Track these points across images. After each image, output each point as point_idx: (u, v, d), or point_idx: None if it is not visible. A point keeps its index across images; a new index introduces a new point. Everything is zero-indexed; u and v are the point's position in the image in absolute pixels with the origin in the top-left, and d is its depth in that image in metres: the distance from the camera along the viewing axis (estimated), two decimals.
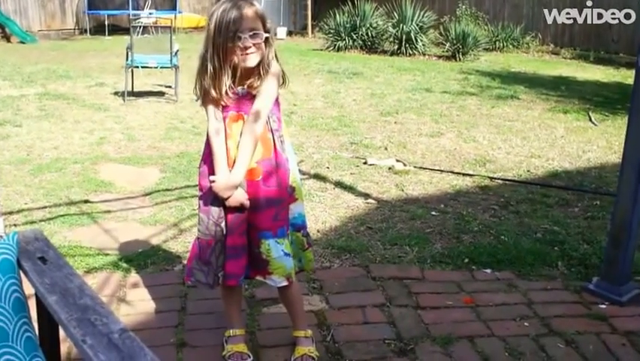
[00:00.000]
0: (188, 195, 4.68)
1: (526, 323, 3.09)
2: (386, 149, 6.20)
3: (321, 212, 4.47)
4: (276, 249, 2.58)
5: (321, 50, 14.30)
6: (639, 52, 3.26)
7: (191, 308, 3.16)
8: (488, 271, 3.64)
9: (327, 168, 5.54)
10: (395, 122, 7.35)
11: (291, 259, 2.64)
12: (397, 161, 5.68)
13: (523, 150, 6.29)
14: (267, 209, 2.55)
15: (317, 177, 5.27)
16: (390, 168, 5.51)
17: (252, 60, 2.45)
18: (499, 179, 5.33)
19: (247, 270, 2.64)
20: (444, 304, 3.25)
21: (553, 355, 2.84)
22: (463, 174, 5.42)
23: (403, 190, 5.00)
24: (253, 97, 2.51)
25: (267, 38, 2.47)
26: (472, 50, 13.26)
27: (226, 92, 2.49)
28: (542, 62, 13.30)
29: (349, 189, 4.99)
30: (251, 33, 2.41)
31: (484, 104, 8.53)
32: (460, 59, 13.04)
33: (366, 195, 4.85)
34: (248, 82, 2.51)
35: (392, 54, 13.70)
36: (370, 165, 5.61)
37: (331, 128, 6.95)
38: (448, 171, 5.50)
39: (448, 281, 3.50)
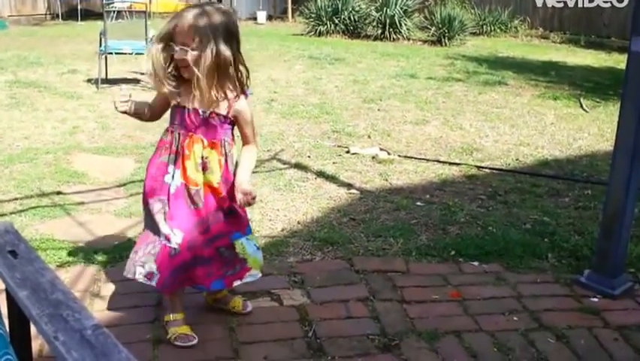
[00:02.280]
0: None
1: (515, 318, 3.11)
2: (369, 137, 6.20)
3: (302, 203, 4.47)
4: (249, 245, 2.89)
5: (302, 34, 14.27)
6: (632, 35, 3.26)
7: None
8: (476, 263, 3.65)
9: (309, 157, 5.53)
10: (378, 110, 7.35)
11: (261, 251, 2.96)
12: (381, 149, 5.69)
13: (511, 138, 6.32)
14: (230, 216, 2.83)
15: (298, 166, 5.26)
16: (373, 157, 5.52)
17: (185, 73, 2.64)
18: (486, 168, 5.35)
19: (220, 281, 2.87)
20: (430, 298, 3.26)
21: (544, 350, 2.86)
22: (450, 163, 5.44)
23: (387, 180, 5.01)
24: (214, 121, 2.71)
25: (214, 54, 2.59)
26: (459, 35, 13.30)
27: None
28: (531, 47, 13.37)
29: (331, 178, 5.00)
30: (181, 47, 2.59)
31: (470, 91, 8.55)
32: (445, 44, 13.07)
33: (349, 185, 4.86)
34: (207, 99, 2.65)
35: (375, 39, 13.70)
36: (353, 153, 5.62)
37: (312, 116, 6.94)
38: (433, 160, 5.51)
39: (433, 274, 3.51)
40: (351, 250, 3.75)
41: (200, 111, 2.69)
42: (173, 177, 2.74)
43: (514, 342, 2.91)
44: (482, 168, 5.36)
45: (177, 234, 2.74)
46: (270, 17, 17.81)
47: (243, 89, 2.75)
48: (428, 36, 13.65)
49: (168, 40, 2.62)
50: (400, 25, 13.60)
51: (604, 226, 3.41)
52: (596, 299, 3.30)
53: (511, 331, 2.99)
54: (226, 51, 2.61)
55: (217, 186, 2.76)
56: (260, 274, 2.94)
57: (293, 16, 17.42)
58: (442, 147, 5.97)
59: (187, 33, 2.57)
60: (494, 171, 5.30)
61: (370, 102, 7.71)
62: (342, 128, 6.50)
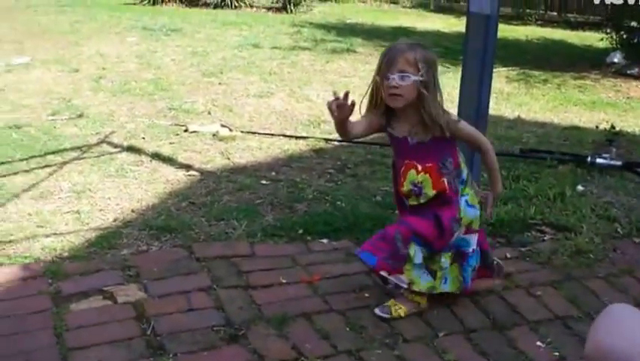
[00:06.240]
0: None
1: (366, 294, 3.19)
2: (209, 113, 6.15)
3: (136, 189, 4.37)
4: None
5: (134, 3, 13.92)
6: None
7: None
8: (325, 240, 3.72)
9: (143, 138, 5.42)
10: (219, 84, 7.31)
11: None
12: (222, 126, 5.66)
13: (356, 108, 6.43)
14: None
15: (131, 149, 5.13)
16: (214, 135, 5.48)
17: (395, 102, 2.88)
18: (335, 140, 5.43)
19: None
20: (277, 281, 3.29)
21: (397, 325, 2.97)
22: (296, 137, 5.49)
23: (229, 159, 5.00)
24: (425, 147, 2.94)
25: (425, 86, 2.85)
26: (305, 1, 13.42)
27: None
28: (380, 12, 13.73)
29: (168, 160, 4.92)
30: (398, 73, 2.83)
31: (318, 60, 8.67)
32: (291, 11, 13.17)
33: (188, 167, 4.80)
34: (409, 129, 2.95)
35: (215, 7, 13.59)
36: (192, 132, 5.56)
37: (147, 93, 6.80)
38: (279, 135, 5.55)
39: (281, 255, 3.54)
40: (191, 237, 3.70)
41: (408, 139, 2.97)
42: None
43: (366, 320, 2.99)
44: (330, 140, 5.44)
45: None
46: None
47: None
48: (272, 3, 13.69)
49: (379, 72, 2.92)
50: None
51: None
52: None
53: (362, 308, 3.08)
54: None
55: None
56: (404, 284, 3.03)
57: None
58: (287, 120, 6.02)
59: (406, 62, 2.85)
60: (343, 143, 5.39)
61: (210, 76, 7.64)
62: (180, 105, 6.41)
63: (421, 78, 2.84)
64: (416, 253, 2.97)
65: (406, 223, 3.01)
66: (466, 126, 3.02)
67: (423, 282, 3.02)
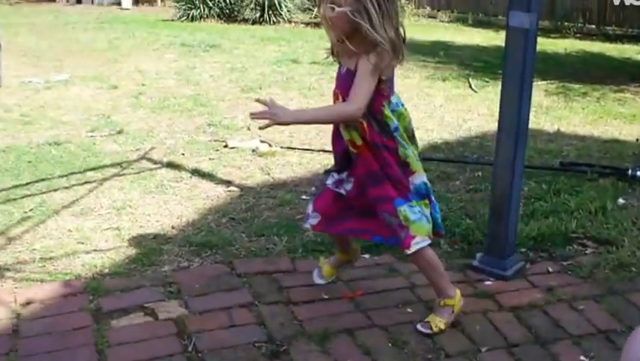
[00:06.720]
0: (18, 196, 4.48)
1: (409, 309, 3.18)
2: (249, 129, 6.17)
3: (176, 205, 4.40)
4: (412, 211, 2.90)
5: (173, 20, 14.11)
6: (509, 11, 3.40)
7: (25, 330, 3.01)
8: (366, 256, 3.70)
9: (182, 154, 5.47)
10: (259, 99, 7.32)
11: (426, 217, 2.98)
12: (262, 142, 5.68)
13: None
14: (390, 180, 2.90)
15: (170, 165, 5.18)
16: (254, 151, 5.51)
17: (333, 32, 2.80)
18: None
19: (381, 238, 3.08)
20: (319, 297, 3.29)
21: (439, 340, 2.94)
22: None
23: (269, 174, 5.02)
24: (349, 76, 2.79)
25: (359, 15, 2.67)
26: None
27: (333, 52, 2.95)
28: (419, 27, 13.69)
29: (208, 176, 4.95)
30: (328, 5, 2.73)
31: None
32: None
33: (228, 183, 4.83)
34: (346, 59, 2.84)
35: (254, 23, 13.70)
36: (231, 148, 5.59)
37: (186, 109, 6.86)
38: (318, 150, 5.55)
39: None
40: (232, 253, 3.72)
41: (341, 68, 2.89)
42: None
43: (409, 335, 2.98)
44: None
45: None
46: (136, 1, 17.49)
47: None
48: (311, 18, 13.75)
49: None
50: (280, 6, 13.64)
51: (493, 208, 3.54)
52: (489, 282, 3.44)
53: (405, 324, 3.06)
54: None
55: (360, 145, 2.89)
56: (428, 241, 2.94)
57: (162, 0, 17.17)
58: (327, 135, 5.91)
59: None
60: None
61: (249, 91, 7.69)
62: (219, 120, 6.46)
63: (348, 9, 2.66)
64: (407, 212, 2.89)
65: (382, 199, 2.90)
66: (369, 71, 2.74)
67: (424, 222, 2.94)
